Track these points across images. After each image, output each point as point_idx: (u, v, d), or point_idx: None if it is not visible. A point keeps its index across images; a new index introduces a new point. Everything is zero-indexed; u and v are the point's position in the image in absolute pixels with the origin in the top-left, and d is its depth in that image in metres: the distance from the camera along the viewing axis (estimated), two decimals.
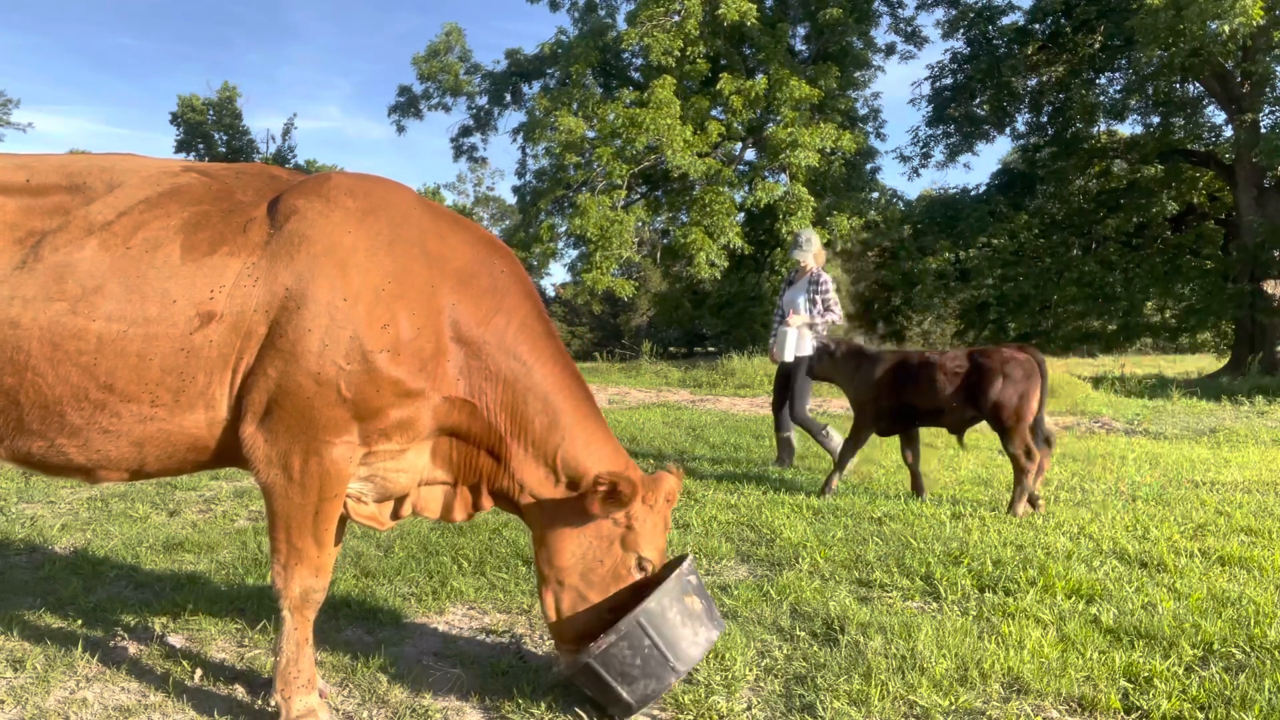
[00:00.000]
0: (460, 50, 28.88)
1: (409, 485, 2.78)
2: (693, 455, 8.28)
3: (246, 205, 2.63)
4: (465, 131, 30.31)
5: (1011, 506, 5.58)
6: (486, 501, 2.87)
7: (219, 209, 2.61)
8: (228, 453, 2.59)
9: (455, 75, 28.57)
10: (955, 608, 3.72)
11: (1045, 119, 25.52)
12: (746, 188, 23.39)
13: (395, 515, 2.86)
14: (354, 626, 3.58)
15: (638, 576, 2.76)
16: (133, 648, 3.32)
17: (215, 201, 2.63)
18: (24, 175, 2.60)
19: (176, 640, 3.40)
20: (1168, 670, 2.98)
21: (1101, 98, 23.93)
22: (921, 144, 27.23)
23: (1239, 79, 20.49)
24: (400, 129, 30.26)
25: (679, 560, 2.90)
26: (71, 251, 2.45)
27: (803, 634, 3.42)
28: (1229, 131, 21.21)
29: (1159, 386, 16.37)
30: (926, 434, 10.01)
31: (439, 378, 2.63)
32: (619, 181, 22.12)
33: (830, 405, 13.77)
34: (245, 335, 2.48)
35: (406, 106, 29.92)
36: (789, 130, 21.39)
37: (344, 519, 2.94)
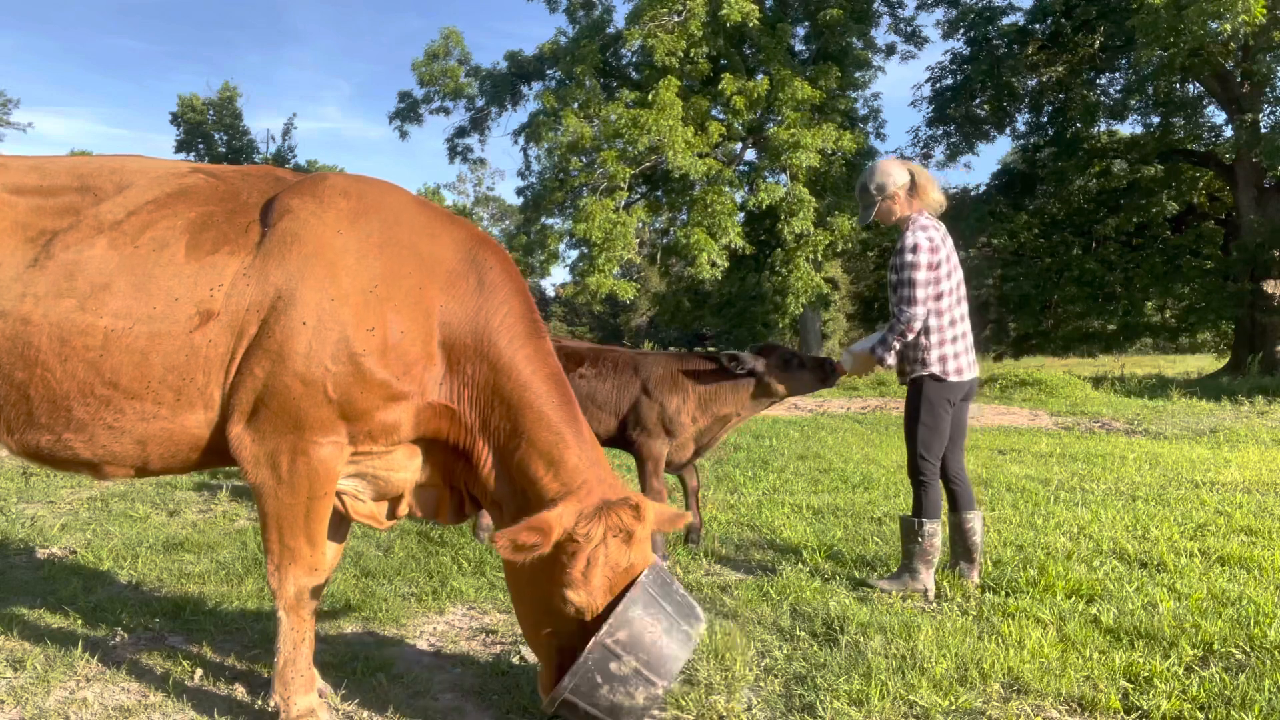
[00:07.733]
0: (460, 53, 28.81)
1: (404, 485, 2.77)
2: None
3: (251, 206, 2.65)
4: (461, 133, 30.21)
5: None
6: (470, 507, 2.83)
7: (224, 209, 2.63)
8: (229, 452, 2.58)
9: (455, 79, 28.47)
10: (955, 608, 3.72)
11: (1045, 119, 25.48)
12: (747, 188, 23.38)
13: (392, 515, 2.85)
14: (354, 626, 3.58)
15: (571, 614, 2.44)
16: (133, 648, 3.32)
17: (221, 202, 2.65)
18: (35, 176, 2.64)
19: (176, 640, 3.40)
20: (1168, 670, 2.98)
21: (1101, 98, 23.91)
22: (922, 144, 27.26)
23: (1239, 79, 20.47)
24: (403, 134, 30.14)
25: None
26: (82, 249, 2.48)
27: (803, 634, 3.41)
28: (1229, 131, 21.17)
29: (1159, 386, 16.36)
30: None
31: (424, 381, 2.60)
32: (621, 183, 22.10)
33: (829, 406, 13.77)
34: (238, 334, 2.49)
35: (407, 112, 29.81)
36: (790, 131, 21.36)
37: (347, 518, 2.94)
